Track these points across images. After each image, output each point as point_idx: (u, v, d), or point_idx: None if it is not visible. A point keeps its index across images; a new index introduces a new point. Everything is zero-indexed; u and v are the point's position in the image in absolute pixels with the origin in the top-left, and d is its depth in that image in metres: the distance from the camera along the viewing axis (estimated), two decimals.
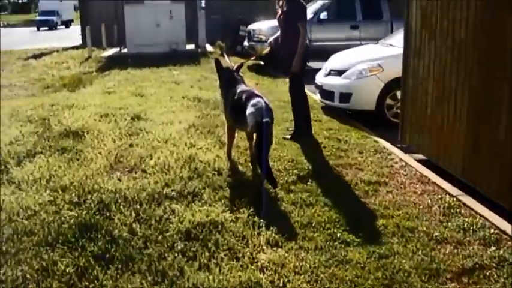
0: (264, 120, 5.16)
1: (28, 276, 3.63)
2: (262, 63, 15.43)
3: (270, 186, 5.16)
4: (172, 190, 5.09)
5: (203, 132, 7.16)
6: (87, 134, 6.95)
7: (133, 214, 4.54)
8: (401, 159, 6.69)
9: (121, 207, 4.67)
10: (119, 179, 5.41)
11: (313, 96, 10.40)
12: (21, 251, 3.95)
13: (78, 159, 6.01)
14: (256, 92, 5.73)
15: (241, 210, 4.69)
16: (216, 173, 5.63)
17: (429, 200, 5.38)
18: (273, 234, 4.30)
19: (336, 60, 9.65)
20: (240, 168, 5.89)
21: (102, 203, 4.71)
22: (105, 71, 14.12)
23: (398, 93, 8.53)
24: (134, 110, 8.33)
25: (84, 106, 8.67)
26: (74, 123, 7.34)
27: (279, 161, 6.14)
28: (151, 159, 6.04)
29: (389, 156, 6.80)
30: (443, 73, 6.08)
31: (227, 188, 5.24)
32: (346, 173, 6.06)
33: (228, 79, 6.04)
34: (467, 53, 5.57)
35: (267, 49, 7.67)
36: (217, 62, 6.25)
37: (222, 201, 4.92)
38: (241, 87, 5.86)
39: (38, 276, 3.63)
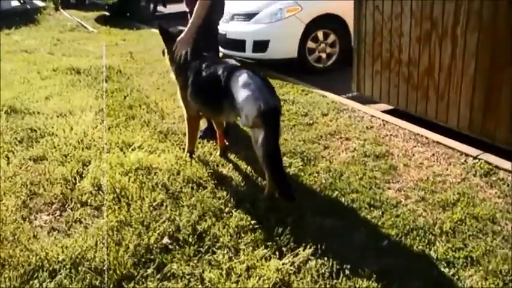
0: (271, 106, 3.34)
1: None
2: (107, 14, 12.68)
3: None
4: (164, 233, 3.09)
5: (127, 120, 4.98)
6: None
7: None
8: (373, 116, 5.35)
9: None
10: (57, 230, 3.22)
11: None
12: None
13: None
14: (233, 62, 3.81)
15: (297, 251, 2.92)
16: (195, 186, 3.68)
17: (454, 167, 4.19)
18: None
19: (237, 2, 7.73)
20: (220, 169, 3.99)
21: None
22: None
23: (320, 34, 7.16)
24: (1, 99, 5.66)
25: None
26: None
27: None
28: (81, 177, 3.84)
29: (356, 114, 5.43)
30: (430, 9, 4.71)
31: (235, 212, 3.37)
32: (338, 148, 4.55)
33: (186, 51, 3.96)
34: None
35: None
36: (163, 29, 4.11)
37: (251, 236, 3.09)
38: (208, 59, 3.87)
39: None
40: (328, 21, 7.09)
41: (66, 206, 3.52)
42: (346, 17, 7.11)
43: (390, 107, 5.64)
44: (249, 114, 3.33)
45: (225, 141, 4.25)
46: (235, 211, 3.37)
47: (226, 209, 3.40)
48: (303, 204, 3.50)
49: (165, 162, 3.97)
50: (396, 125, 5.08)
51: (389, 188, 3.85)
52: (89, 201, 3.53)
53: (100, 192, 3.61)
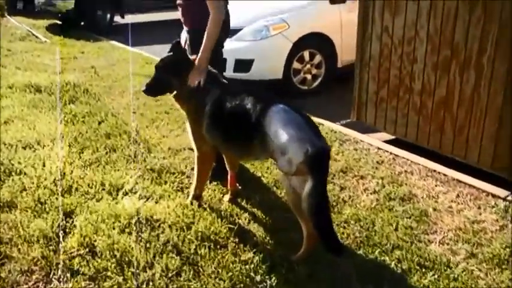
0: (320, 149, 2.72)
1: None
2: (59, 22, 11.58)
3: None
4: None
5: (108, 154, 4.19)
6: None
7: None
8: (379, 148, 4.83)
9: None
10: None
11: None
12: None
13: None
14: (266, 92, 3.19)
15: None
16: (212, 245, 2.99)
17: (485, 211, 3.76)
18: None
19: None
20: (236, 221, 3.31)
21: None
22: None
23: (306, 54, 6.61)
24: None
25: None
26: None
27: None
28: (65, 234, 3.05)
29: (361, 146, 4.90)
30: (451, 35, 4.24)
31: (270, 281, 2.71)
32: (356, 188, 4.00)
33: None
34: None
35: None
36: (181, 50, 3.34)
37: None
38: (230, 87, 3.21)
39: None
40: (315, 41, 6.56)
41: (51, 275, 2.73)
42: (333, 37, 6.64)
43: (391, 137, 5.16)
44: (293, 158, 2.68)
45: (237, 184, 3.57)
46: (271, 280, 2.70)
47: (258, 277, 2.73)
48: (343, 266, 2.89)
49: (169, 213, 3.24)
50: (408, 160, 4.57)
51: (430, 241, 3.31)
52: (80, 268, 2.75)
53: (95, 255, 2.84)
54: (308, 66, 6.66)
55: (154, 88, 3.38)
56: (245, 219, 3.33)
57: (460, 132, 4.35)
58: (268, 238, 3.14)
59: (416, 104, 4.66)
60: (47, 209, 3.26)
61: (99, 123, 4.88)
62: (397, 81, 4.79)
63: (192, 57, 3.38)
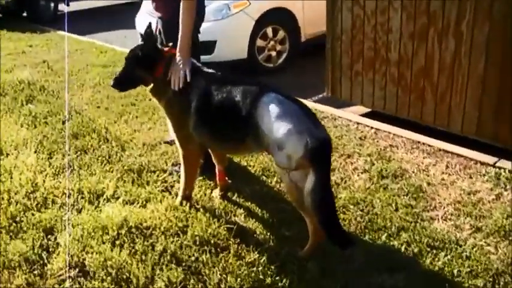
0: (321, 140, 2.51)
1: None
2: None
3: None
4: None
5: (79, 156, 3.85)
6: None
7: None
8: (358, 123, 4.68)
9: None
10: None
11: None
12: None
13: None
14: (254, 80, 2.94)
15: None
16: (213, 249, 2.75)
17: (477, 180, 3.68)
18: None
19: None
20: (232, 218, 3.07)
21: None
22: None
23: (269, 31, 6.36)
24: None
25: None
26: None
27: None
28: (49, 253, 2.74)
29: (339, 122, 4.74)
30: (427, 3, 4.09)
31: (281, 283, 2.51)
32: (345, 169, 3.84)
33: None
34: None
35: None
36: (150, 36, 3.00)
37: None
38: (216, 77, 2.93)
39: None
40: (277, 16, 6.31)
41: None
42: (295, 10, 6.41)
43: (365, 110, 5.03)
44: (293, 153, 2.47)
45: (226, 178, 3.33)
46: (282, 282, 2.50)
47: (269, 280, 2.52)
48: (355, 257, 2.72)
49: (159, 218, 2.97)
50: (390, 133, 4.44)
51: (432, 219, 3.19)
52: None
53: (87, 275, 2.55)
54: (272, 43, 6.41)
55: (123, 82, 3.05)
56: (241, 215, 3.10)
57: (441, 101, 4.24)
58: (269, 234, 2.93)
59: (394, 75, 4.52)
60: (24, 228, 2.92)
61: (63, 122, 4.50)
62: (372, 53, 4.62)
63: (166, 47, 3.08)
